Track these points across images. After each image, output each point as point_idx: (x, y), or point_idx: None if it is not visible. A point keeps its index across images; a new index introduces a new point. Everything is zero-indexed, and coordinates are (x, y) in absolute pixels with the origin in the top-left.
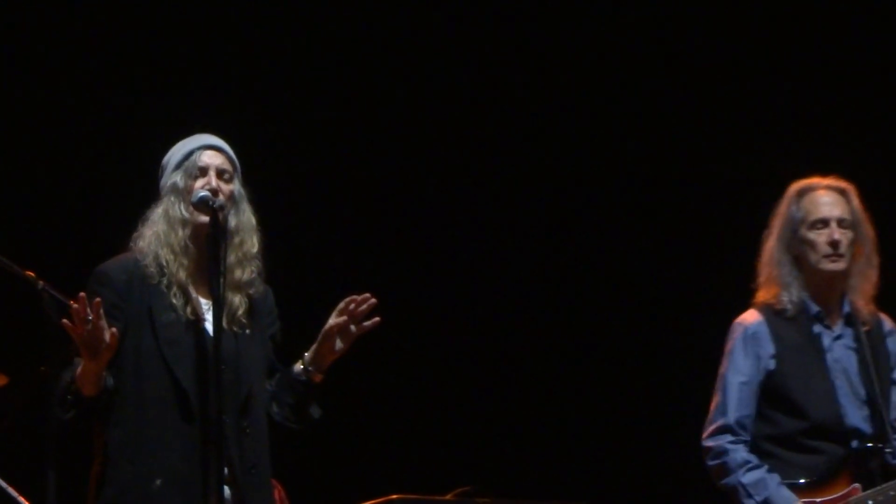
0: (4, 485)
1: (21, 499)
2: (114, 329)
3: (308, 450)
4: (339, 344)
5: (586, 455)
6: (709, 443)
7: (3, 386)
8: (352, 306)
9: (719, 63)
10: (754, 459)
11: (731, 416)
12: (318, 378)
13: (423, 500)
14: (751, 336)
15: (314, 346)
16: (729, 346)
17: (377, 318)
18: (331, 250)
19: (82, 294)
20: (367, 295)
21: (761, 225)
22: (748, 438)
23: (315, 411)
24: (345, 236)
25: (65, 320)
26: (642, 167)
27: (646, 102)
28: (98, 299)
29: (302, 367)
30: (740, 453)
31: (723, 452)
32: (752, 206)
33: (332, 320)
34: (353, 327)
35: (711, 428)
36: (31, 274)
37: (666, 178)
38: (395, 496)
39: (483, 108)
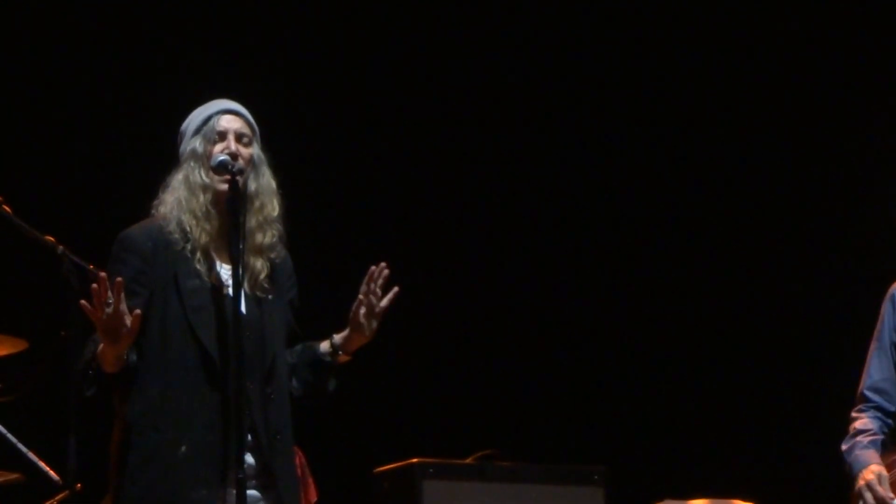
0: (25, 450)
1: (42, 464)
2: (137, 311)
3: (327, 415)
4: (369, 326)
5: (605, 418)
6: (853, 413)
7: (22, 351)
8: (371, 285)
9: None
10: (869, 426)
11: (864, 384)
12: (345, 360)
13: (444, 464)
14: (890, 298)
15: (345, 333)
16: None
17: (396, 289)
18: (350, 214)
19: (102, 274)
20: (381, 265)
21: None
22: (881, 403)
23: (332, 384)
24: (364, 201)
25: (83, 302)
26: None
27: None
28: (119, 279)
29: (330, 348)
30: (858, 421)
31: (849, 421)
32: None
33: (355, 304)
34: (379, 304)
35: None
36: (51, 238)
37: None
38: (415, 460)
39: (522, 86)
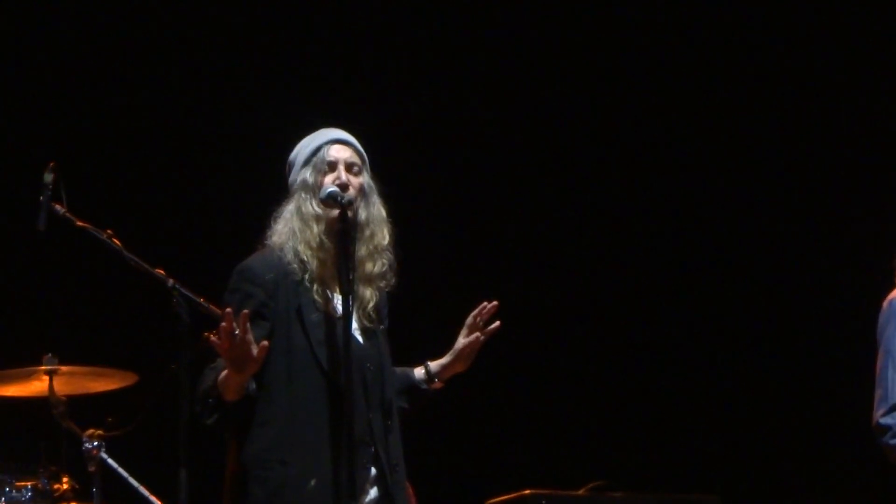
0: (136, 484)
1: (153, 498)
2: (264, 343)
3: (438, 446)
4: (468, 357)
5: (719, 446)
6: (886, 420)
7: (133, 385)
8: (478, 319)
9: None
10: None
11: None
12: (439, 387)
13: (557, 495)
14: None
15: (445, 361)
16: (891, 324)
17: (498, 323)
18: (456, 246)
19: (229, 310)
20: (493, 303)
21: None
22: None
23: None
24: (474, 233)
25: (212, 337)
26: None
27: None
28: (246, 311)
29: (425, 375)
30: None
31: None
32: None
33: (463, 339)
34: (479, 335)
35: (886, 407)
36: (162, 272)
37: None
38: (528, 491)
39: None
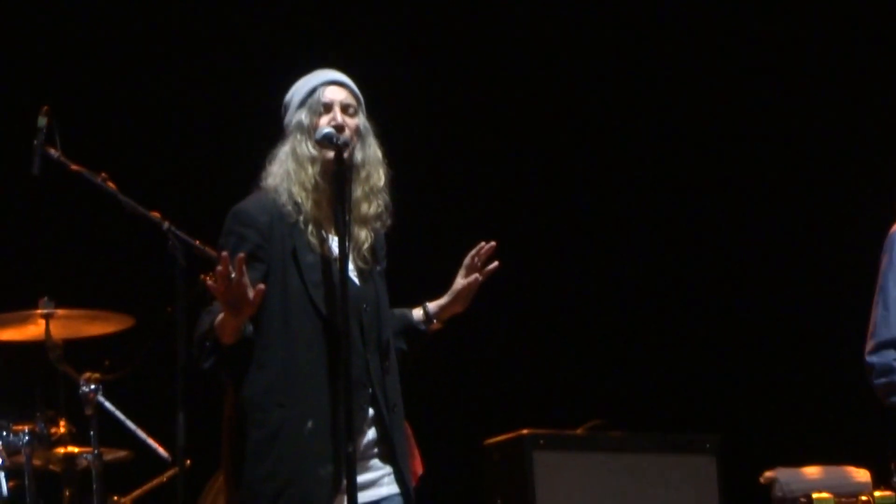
0: (133, 427)
1: (151, 441)
2: (260, 286)
3: (435, 387)
4: (469, 296)
5: (717, 385)
6: (872, 359)
7: (129, 328)
8: (476, 260)
9: None
10: None
11: None
12: (437, 328)
13: (554, 434)
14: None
15: (443, 302)
16: (887, 256)
17: (496, 263)
18: (455, 186)
19: (225, 253)
20: (491, 243)
21: None
22: None
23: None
24: (471, 171)
25: (208, 280)
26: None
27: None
28: (242, 255)
29: (423, 316)
30: None
31: (890, 370)
32: None
33: (461, 280)
34: (478, 276)
35: (874, 343)
36: (157, 214)
37: None
38: (525, 431)
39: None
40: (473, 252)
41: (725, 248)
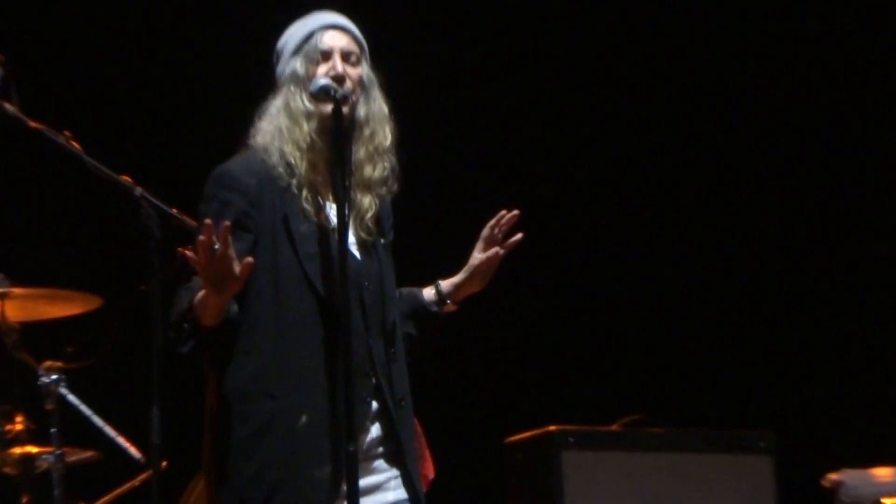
0: (101, 423)
1: (121, 439)
2: (248, 259)
3: (451, 376)
4: (487, 273)
5: (773, 378)
6: None
7: (97, 309)
8: (496, 231)
9: None
10: None
11: None
12: (451, 310)
13: (586, 431)
14: None
15: (458, 280)
16: None
17: (520, 235)
18: (474, 147)
19: (208, 221)
20: (513, 212)
21: None
22: None
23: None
24: (494, 131)
25: (188, 252)
26: None
27: None
28: (227, 223)
29: (436, 296)
30: None
31: None
32: None
33: (479, 254)
34: (498, 250)
35: None
36: (128, 179)
37: None
38: (552, 428)
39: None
40: (493, 222)
41: (791, 228)
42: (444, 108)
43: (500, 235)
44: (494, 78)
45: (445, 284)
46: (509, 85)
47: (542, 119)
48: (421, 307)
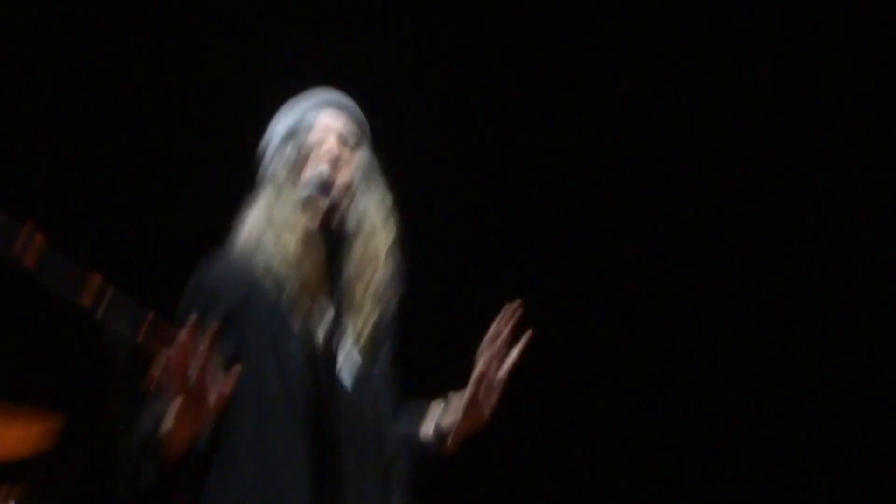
0: None
1: None
2: (236, 367)
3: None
4: (488, 405)
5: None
6: None
7: (58, 430)
8: (498, 341)
9: None
10: None
11: None
12: (452, 450)
13: None
14: None
15: (457, 410)
16: None
17: (529, 332)
18: (481, 234)
19: (193, 316)
20: (515, 303)
21: None
22: None
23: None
24: (505, 214)
25: (170, 356)
26: None
27: None
28: (215, 324)
29: (434, 435)
30: None
31: None
32: None
33: (482, 365)
34: (484, 372)
35: None
36: (97, 276)
37: None
38: None
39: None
40: (492, 331)
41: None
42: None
43: (507, 336)
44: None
45: (447, 422)
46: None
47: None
48: (416, 445)
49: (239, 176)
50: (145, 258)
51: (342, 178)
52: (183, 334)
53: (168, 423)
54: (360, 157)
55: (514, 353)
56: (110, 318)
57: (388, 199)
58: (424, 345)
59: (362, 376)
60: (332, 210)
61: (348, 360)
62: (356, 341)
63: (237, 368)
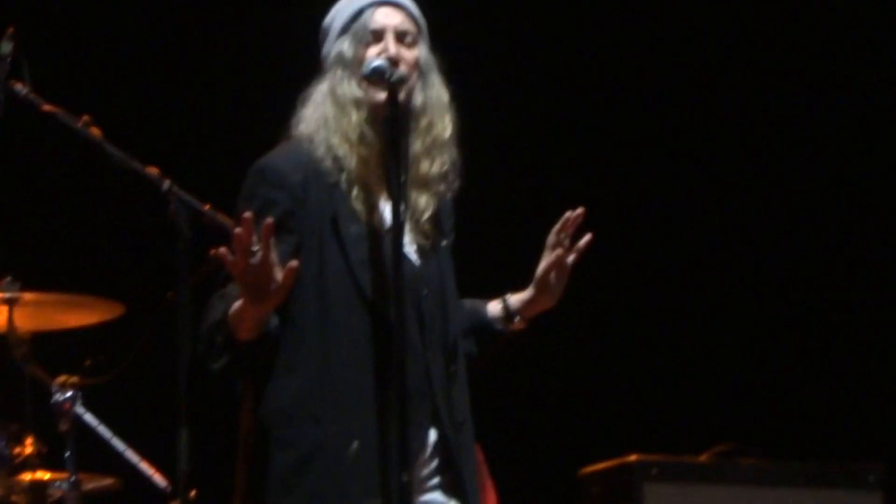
0: (121, 446)
1: (144, 465)
2: (293, 263)
3: (518, 399)
4: (559, 287)
5: (883, 405)
6: None
7: (118, 318)
8: (562, 236)
9: None
10: None
11: None
12: (519, 328)
13: (670, 462)
14: None
15: (525, 296)
16: None
17: (589, 237)
18: (543, 140)
19: (248, 215)
20: (578, 211)
21: None
22: None
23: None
24: (567, 121)
25: (222, 251)
26: None
27: None
28: (270, 220)
29: (503, 312)
30: None
31: None
32: None
33: (547, 260)
34: (560, 254)
35: None
36: (155, 170)
37: None
38: (633, 458)
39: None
40: (557, 226)
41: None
42: (511, 97)
43: (567, 240)
44: (567, 67)
45: (514, 299)
46: (585, 75)
47: (621, 111)
48: (485, 324)
49: (298, 69)
50: (211, 149)
51: (407, 57)
52: (238, 231)
53: (235, 309)
54: (419, 52)
55: (580, 243)
56: (171, 206)
57: (447, 93)
58: (476, 243)
59: (428, 251)
60: (400, 82)
61: (414, 236)
62: (419, 218)
63: (294, 264)
